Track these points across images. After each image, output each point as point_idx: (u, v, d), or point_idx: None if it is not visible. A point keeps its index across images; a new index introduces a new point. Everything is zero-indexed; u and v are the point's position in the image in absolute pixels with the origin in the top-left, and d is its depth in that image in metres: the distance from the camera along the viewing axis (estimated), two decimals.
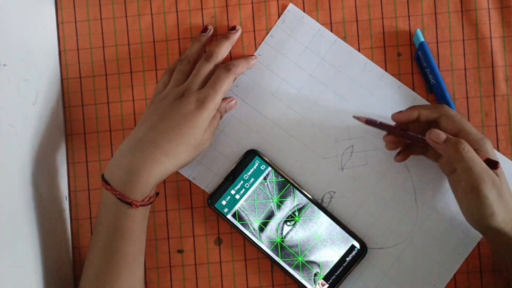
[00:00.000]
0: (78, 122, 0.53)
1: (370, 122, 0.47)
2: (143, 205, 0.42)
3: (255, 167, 0.50)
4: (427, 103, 0.51)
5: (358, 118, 0.48)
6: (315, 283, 0.49)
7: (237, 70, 0.48)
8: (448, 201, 0.50)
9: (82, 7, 0.53)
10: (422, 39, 0.49)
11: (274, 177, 0.50)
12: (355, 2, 0.52)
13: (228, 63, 0.48)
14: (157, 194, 0.46)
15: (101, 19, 0.53)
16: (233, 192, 0.50)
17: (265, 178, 0.50)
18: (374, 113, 0.51)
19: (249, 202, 0.50)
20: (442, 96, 0.49)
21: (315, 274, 0.49)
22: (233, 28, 0.51)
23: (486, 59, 0.51)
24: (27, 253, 0.44)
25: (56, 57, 0.52)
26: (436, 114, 0.45)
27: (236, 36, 0.51)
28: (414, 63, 0.51)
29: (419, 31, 0.50)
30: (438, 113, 0.45)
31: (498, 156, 0.50)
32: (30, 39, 0.48)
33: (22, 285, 0.43)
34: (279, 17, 0.52)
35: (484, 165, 0.42)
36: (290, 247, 0.50)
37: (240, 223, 0.50)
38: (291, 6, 0.52)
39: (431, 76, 0.49)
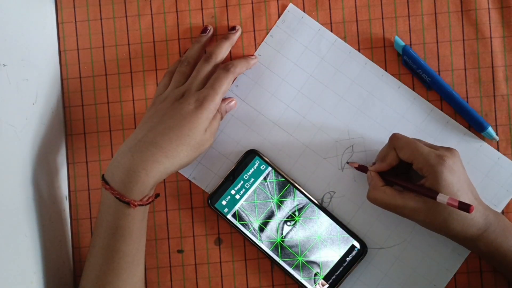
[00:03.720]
0: (78, 122, 0.53)
1: (361, 168, 0.49)
2: (142, 205, 0.42)
3: (255, 167, 0.50)
4: (427, 103, 0.51)
5: (351, 164, 0.50)
6: (315, 283, 0.49)
7: (237, 70, 0.48)
8: None
9: (82, 7, 0.53)
10: (403, 43, 0.50)
11: (274, 177, 0.50)
12: (355, 2, 0.52)
13: (227, 63, 0.48)
14: (157, 195, 0.46)
15: (101, 19, 0.53)
16: (233, 192, 0.50)
17: (265, 178, 0.50)
18: (374, 113, 0.51)
19: (249, 202, 0.50)
20: (441, 89, 0.49)
21: (315, 274, 0.49)
22: (233, 28, 0.51)
23: (486, 59, 0.51)
24: (27, 253, 0.44)
25: (56, 57, 0.52)
26: (393, 151, 0.45)
27: (236, 36, 0.51)
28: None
29: (397, 38, 0.50)
30: (392, 148, 0.45)
31: (498, 156, 0.50)
32: (30, 39, 0.48)
33: (22, 285, 0.43)
34: (279, 17, 0.52)
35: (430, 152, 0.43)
36: (290, 247, 0.50)
37: (240, 223, 0.50)
38: (291, 6, 0.52)
39: (425, 75, 0.49)
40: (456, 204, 0.40)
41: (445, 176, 0.42)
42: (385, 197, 0.45)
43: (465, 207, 0.39)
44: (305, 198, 0.50)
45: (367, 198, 0.47)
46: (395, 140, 0.45)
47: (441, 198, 0.41)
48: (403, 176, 0.47)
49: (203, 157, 0.52)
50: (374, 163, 0.48)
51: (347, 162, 0.51)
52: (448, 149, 0.44)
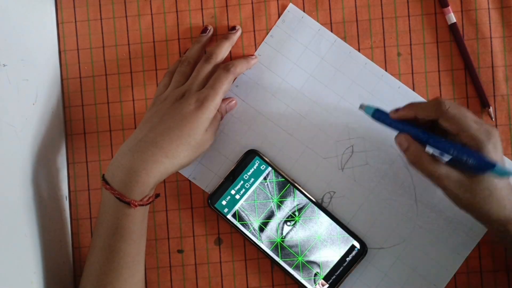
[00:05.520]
0: (78, 122, 0.53)
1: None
2: (142, 205, 0.42)
3: (255, 167, 0.50)
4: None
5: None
6: (315, 283, 0.49)
7: (237, 70, 0.48)
8: (448, 201, 0.50)
9: (82, 7, 0.53)
10: (374, 108, 0.45)
11: (274, 177, 0.50)
12: (355, 2, 0.52)
13: (227, 63, 0.48)
14: (157, 195, 0.46)
15: (101, 19, 0.53)
16: (233, 192, 0.50)
17: (265, 178, 0.50)
18: None
19: (249, 202, 0.50)
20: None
21: (315, 274, 0.49)
22: (233, 28, 0.51)
23: (486, 59, 0.51)
24: (27, 253, 0.44)
25: (56, 57, 0.52)
26: (433, 115, 0.42)
27: (236, 36, 0.51)
28: (414, 63, 0.51)
29: (367, 107, 0.46)
30: (435, 113, 0.42)
31: None
32: (30, 39, 0.48)
33: (22, 285, 0.43)
34: (279, 17, 0.52)
35: (480, 124, 0.41)
36: (290, 247, 0.50)
37: (240, 223, 0.50)
38: (291, 6, 0.52)
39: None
40: None
41: (491, 153, 0.40)
42: (429, 166, 0.42)
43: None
44: (305, 198, 0.50)
45: (408, 162, 0.43)
46: (444, 110, 0.41)
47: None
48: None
49: (203, 157, 0.52)
50: (397, 110, 0.44)
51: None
52: (492, 127, 0.42)
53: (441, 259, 0.50)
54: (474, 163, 0.41)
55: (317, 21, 0.52)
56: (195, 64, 0.49)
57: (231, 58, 0.52)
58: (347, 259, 0.49)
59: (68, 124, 0.53)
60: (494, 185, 0.42)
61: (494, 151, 0.41)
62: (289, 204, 0.50)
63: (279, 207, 0.50)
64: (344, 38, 0.52)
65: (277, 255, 0.50)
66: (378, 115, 0.45)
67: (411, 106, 0.44)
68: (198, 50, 0.50)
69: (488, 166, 0.40)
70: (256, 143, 0.51)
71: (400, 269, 0.50)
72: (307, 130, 0.51)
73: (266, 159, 0.50)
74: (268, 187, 0.50)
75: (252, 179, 0.50)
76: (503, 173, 0.40)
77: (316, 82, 0.51)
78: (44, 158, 0.48)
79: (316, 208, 0.50)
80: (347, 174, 0.51)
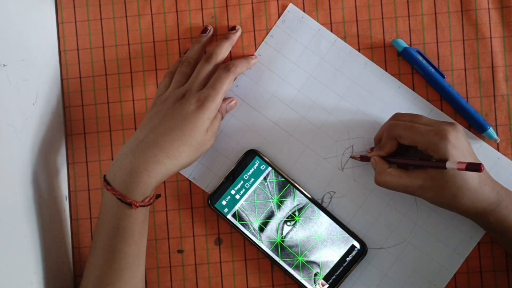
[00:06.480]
0: (78, 122, 0.53)
1: (364, 158, 0.49)
2: (143, 206, 0.42)
3: (255, 167, 0.50)
4: (427, 103, 0.51)
5: (354, 157, 0.50)
6: (315, 283, 0.49)
7: (237, 70, 0.48)
8: None
9: (82, 7, 0.53)
10: (405, 45, 0.50)
11: (274, 177, 0.50)
12: (355, 2, 0.52)
13: (228, 63, 0.48)
14: (158, 196, 0.46)
15: (101, 19, 0.53)
16: (233, 192, 0.50)
17: (265, 178, 0.50)
18: (374, 113, 0.51)
19: (249, 202, 0.50)
20: (442, 89, 0.50)
21: (315, 274, 0.50)
22: (233, 28, 0.51)
23: (486, 59, 0.51)
24: (27, 253, 0.44)
25: (56, 57, 0.52)
26: (394, 145, 0.45)
27: (236, 36, 0.51)
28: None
29: (397, 40, 0.50)
30: (394, 143, 0.45)
31: (498, 156, 0.50)
32: (30, 39, 0.48)
33: (22, 285, 0.43)
34: (279, 17, 0.52)
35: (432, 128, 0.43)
36: (290, 247, 0.50)
37: (240, 223, 0.50)
38: (291, 6, 0.52)
39: (424, 74, 0.50)
40: (464, 166, 0.39)
41: (449, 151, 0.41)
42: (393, 179, 0.45)
43: (476, 167, 0.38)
44: (305, 198, 0.50)
45: (376, 183, 0.46)
46: (393, 129, 0.45)
47: (450, 164, 0.40)
48: (408, 154, 0.46)
49: (203, 157, 0.52)
50: (372, 148, 0.49)
51: (351, 157, 0.50)
52: (450, 124, 0.43)
53: (441, 259, 0.50)
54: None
55: (317, 21, 0.52)
56: (196, 64, 0.49)
57: (231, 58, 0.52)
58: (347, 259, 0.49)
59: (68, 124, 0.53)
60: (460, 180, 0.42)
61: (453, 147, 0.42)
62: (289, 204, 0.50)
63: (279, 207, 0.50)
64: (344, 38, 0.52)
65: (277, 255, 0.50)
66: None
67: (377, 147, 0.48)
68: (198, 50, 0.50)
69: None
70: (256, 143, 0.51)
71: (400, 269, 0.50)
72: (307, 130, 0.51)
73: (266, 159, 0.50)
74: (268, 187, 0.50)
75: (252, 179, 0.50)
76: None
77: (316, 82, 0.51)
78: (44, 158, 0.48)
79: (316, 208, 0.50)
80: (347, 174, 0.51)
